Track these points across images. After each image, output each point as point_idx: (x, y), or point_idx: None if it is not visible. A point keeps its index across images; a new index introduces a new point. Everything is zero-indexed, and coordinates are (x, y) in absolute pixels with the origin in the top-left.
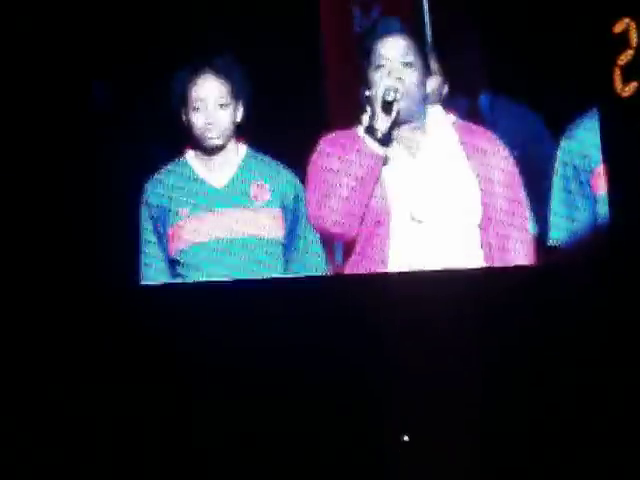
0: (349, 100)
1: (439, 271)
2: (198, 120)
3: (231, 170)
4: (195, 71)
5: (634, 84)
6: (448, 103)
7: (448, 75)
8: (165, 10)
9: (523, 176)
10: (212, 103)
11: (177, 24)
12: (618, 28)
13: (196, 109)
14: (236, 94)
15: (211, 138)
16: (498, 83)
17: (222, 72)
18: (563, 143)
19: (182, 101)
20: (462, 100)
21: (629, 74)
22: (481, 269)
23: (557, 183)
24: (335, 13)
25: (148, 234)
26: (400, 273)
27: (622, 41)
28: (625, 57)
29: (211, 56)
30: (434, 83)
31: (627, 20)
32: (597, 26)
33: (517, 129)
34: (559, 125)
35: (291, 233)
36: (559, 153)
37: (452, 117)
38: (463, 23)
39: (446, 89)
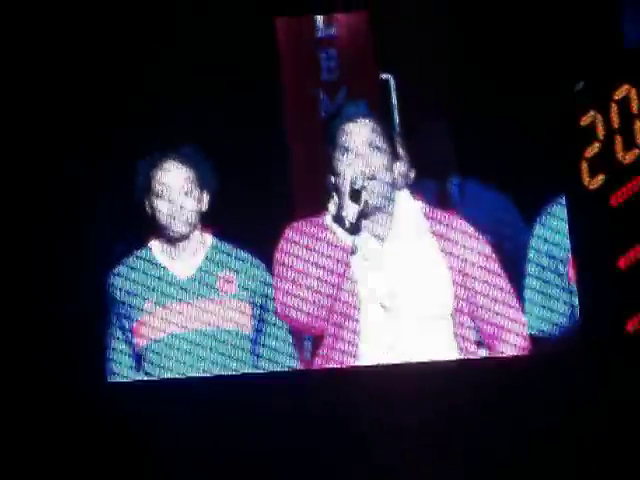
0: (315, 186)
1: (410, 364)
2: (162, 207)
3: (196, 261)
4: (160, 159)
5: (601, 176)
6: (416, 187)
7: (416, 159)
8: (129, 98)
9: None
10: (177, 190)
11: (142, 113)
12: (585, 121)
13: (160, 196)
14: (201, 182)
15: (175, 227)
16: (467, 168)
17: (187, 159)
18: (536, 230)
19: (146, 188)
20: (430, 184)
21: (596, 167)
22: (453, 361)
23: (531, 271)
24: (300, 97)
25: (113, 329)
26: (371, 367)
27: (589, 134)
28: (592, 150)
29: (175, 145)
30: (401, 168)
31: (593, 113)
32: (564, 119)
33: (488, 214)
34: (530, 211)
35: (259, 326)
36: (532, 241)
37: (420, 203)
38: (432, 107)
39: (413, 174)
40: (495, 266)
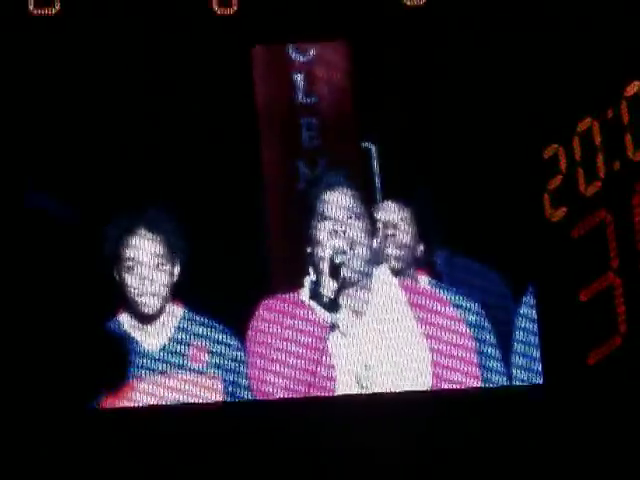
0: (293, 256)
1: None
2: (132, 280)
3: (167, 333)
4: (128, 227)
5: (563, 209)
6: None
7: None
8: (94, 156)
9: (485, 332)
10: (147, 265)
11: (107, 172)
12: (547, 154)
13: (129, 269)
14: (172, 252)
15: (145, 304)
16: (451, 238)
17: (156, 227)
18: (525, 298)
19: (114, 260)
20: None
21: (558, 199)
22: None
23: (519, 336)
24: (279, 167)
25: None
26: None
27: (551, 166)
28: (554, 182)
29: (144, 208)
30: (380, 240)
31: (556, 145)
32: (528, 152)
33: (475, 286)
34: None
35: (228, 397)
36: (522, 308)
37: (395, 278)
38: (414, 175)
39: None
40: (471, 344)
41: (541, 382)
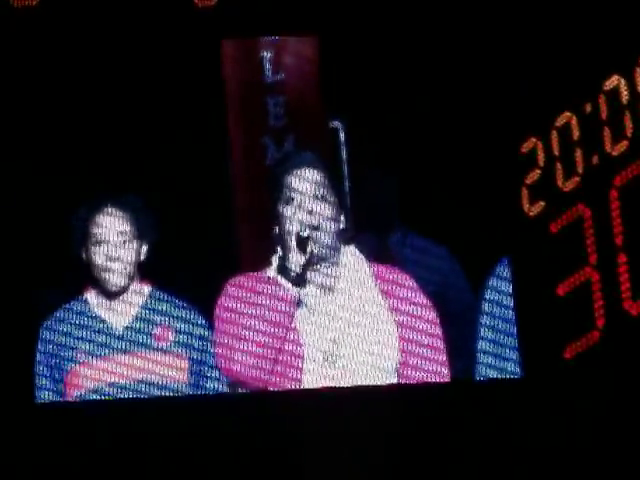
0: (261, 235)
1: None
2: (98, 257)
3: (133, 311)
4: (97, 207)
5: (541, 203)
6: (357, 240)
7: (359, 211)
8: (68, 144)
9: (439, 315)
10: (113, 242)
11: (78, 159)
12: (525, 147)
13: (97, 244)
14: (140, 232)
15: (111, 281)
16: (409, 220)
17: (125, 208)
18: (490, 282)
19: (82, 238)
20: (371, 237)
21: (536, 194)
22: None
23: (484, 321)
24: (246, 144)
25: (42, 380)
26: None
27: (529, 160)
28: (532, 177)
29: (114, 192)
30: (347, 219)
31: (534, 139)
32: (505, 146)
33: (428, 268)
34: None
35: (196, 381)
36: (486, 292)
37: (363, 256)
38: (378, 157)
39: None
40: (434, 316)
41: (513, 370)
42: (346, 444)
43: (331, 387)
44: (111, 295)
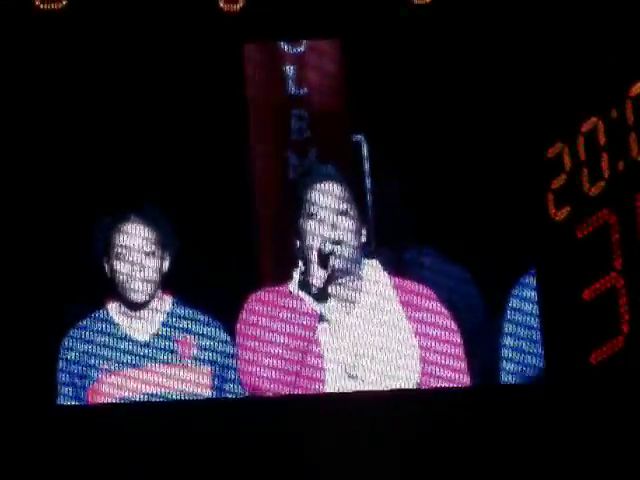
0: (283, 250)
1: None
2: (121, 268)
3: (155, 323)
4: (120, 218)
5: (567, 208)
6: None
7: (379, 225)
8: (87, 153)
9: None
10: (137, 251)
11: (99, 169)
12: (552, 152)
13: (120, 256)
14: (163, 243)
15: (135, 291)
16: (427, 236)
17: (149, 219)
18: (516, 290)
19: (105, 249)
20: (387, 252)
21: (562, 198)
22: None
23: (508, 329)
24: (268, 157)
25: (64, 397)
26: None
27: (556, 165)
28: (558, 182)
29: (137, 204)
30: (369, 233)
31: (560, 144)
32: (531, 151)
33: (443, 288)
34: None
35: (216, 392)
36: (512, 301)
37: (386, 273)
38: (404, 170)
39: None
40: (454, 325)
41: (537, 374)
42: (363, 449)
43: (350, 392)
44: (133, 305)
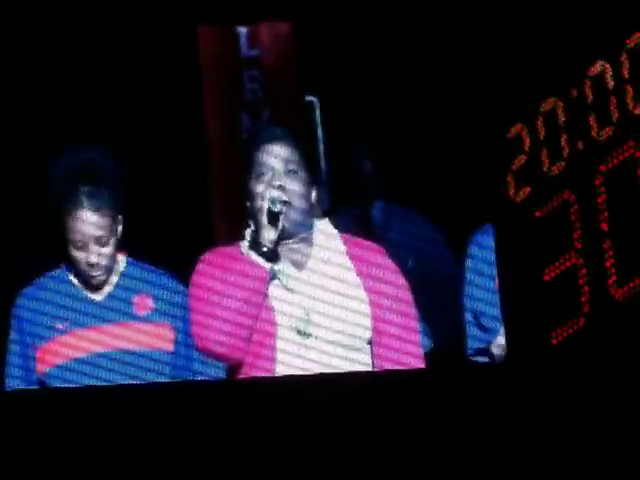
0: (236, 211)
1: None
2: (79, 257)
3: (111, 282)
4: (69, 209)
5: (527, 189)
6: (339, 212)
7: (338, 185)
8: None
9: (421, 286)
10: (94, 240)
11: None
12: (512, 133)
13: (76, 247)
14: (115, 216)
15: (94, 277)
16: (391, 192)
17: (96, 200)
18: (470, 250)
19: (61, 214)
20: (353, 210)
21: (522, 179)
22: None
23: (467, 291)
24: (220, 118)
25: (13, 352)
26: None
27: (515, 146)
28: (518, 162)
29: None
30: (320, 194)
31: (520, 125)
32: (491, 131)
33: (411, 237)
34: (457, 233)
35: (181, 351)
36: (467, 261)
37: (337, 231)
38: (357, 130)
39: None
40: (408, 296)
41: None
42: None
43: (304, 375)
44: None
